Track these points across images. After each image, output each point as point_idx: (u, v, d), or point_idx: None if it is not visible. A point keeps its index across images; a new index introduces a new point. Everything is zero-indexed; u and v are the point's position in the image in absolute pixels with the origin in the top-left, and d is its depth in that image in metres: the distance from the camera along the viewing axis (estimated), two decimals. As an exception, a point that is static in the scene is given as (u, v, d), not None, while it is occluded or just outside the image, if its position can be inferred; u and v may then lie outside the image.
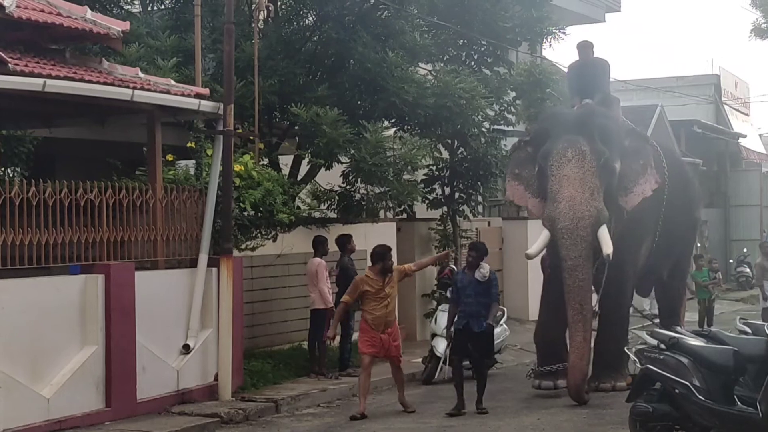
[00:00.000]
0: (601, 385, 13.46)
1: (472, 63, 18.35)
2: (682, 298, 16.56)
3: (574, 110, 13.85)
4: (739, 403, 9.08)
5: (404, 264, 13.38)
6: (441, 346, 14.12)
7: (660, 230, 14.32)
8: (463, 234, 19.35)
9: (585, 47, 14.46)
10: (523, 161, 13.75)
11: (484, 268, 12.39)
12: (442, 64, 17.46)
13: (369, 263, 12.77)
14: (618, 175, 13.11)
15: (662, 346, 9.50)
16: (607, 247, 12.60)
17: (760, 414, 8.89)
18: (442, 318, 13.86)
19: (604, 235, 12.68)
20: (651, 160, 13.46)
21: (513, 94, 18.65)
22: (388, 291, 12.15)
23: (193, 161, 13.39)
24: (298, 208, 14.94)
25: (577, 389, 12.46)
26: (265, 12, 14.35)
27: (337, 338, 14.45)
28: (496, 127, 18.74)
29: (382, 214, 17.23)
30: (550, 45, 18.74)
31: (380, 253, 12.33)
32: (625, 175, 13.23)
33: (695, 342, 9.55)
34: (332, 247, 14.62)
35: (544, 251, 13.69)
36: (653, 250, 14.41)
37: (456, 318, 12.48)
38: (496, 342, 15.39)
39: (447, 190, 18.72)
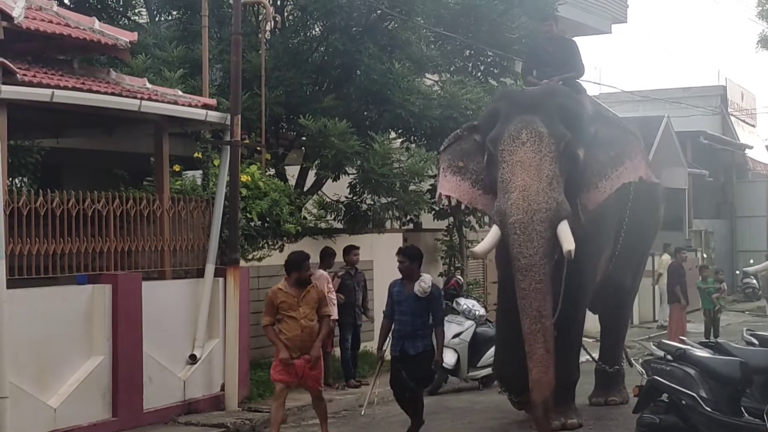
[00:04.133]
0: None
1: (479, 74, 18.34)
2: (630, 315, 15.24)
3: (530, 89, 11.77)
4: (746, 414, 9.10)
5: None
6: (447, 356, 14.13)
7: (625, 231, 12.34)
8: (470, 245, 19.34)
9: (548, 21, 12.76)
10: (469, 152, 11.57)
11: (426, 282, 10.31)
12: (448, 75, 17.47)
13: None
14: (582, 165, 10.99)
15: (669, 357, 9.52)
16: (568, 243, 10.32)
17: (768, 425, 8.92)
18: (448, 329, 13.78)
19: (564, 230, 10.42)
20: (632, 149, 11.27)
21: (519, 104, 18.64)
22: (303, 309, 10.11)
23: (200, 171, 13.42)
24: (305, 218, 14.99)
25: (544, 405, 10.32)
26: (272, 23, 14.37)
27: (337, 349, 14.47)
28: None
29: (388, 224, 17.23)
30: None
31: (295, 261, 10.27)
32: (591, 166, 11.06)
33: (702, 353, 9.56)
34: (340, 258, 14.60)
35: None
36: (616, 255, 12.43)
37: (391, 341, 10.52)
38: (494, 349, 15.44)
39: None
